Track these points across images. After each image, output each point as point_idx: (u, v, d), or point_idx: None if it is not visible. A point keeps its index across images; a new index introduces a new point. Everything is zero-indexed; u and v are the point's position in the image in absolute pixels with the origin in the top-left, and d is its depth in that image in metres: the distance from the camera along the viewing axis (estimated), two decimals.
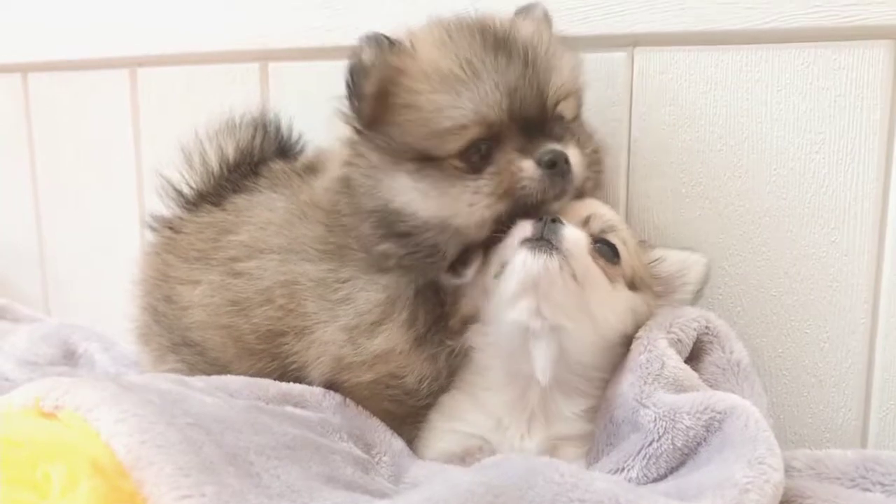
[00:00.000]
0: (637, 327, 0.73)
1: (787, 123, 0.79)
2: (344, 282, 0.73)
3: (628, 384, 0.69)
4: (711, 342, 0.73)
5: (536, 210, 0.70)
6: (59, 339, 1.10)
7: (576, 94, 0.75)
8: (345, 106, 0.74)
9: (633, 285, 0.74)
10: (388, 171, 0.70)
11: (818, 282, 0.81)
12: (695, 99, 0.82)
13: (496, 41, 0.70)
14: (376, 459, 0.69)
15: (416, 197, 0.69)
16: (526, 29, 0.73)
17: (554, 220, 0.69)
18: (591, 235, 0.72)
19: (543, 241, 0.68)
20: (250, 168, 0.87)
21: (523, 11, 0.77)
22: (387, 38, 0.71)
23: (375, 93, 0.70)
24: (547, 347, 0.70)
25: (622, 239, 0.74)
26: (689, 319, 0.72)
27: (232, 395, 0.64)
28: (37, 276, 1.29)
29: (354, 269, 0.73)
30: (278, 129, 0.92)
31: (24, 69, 1.23)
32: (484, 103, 0.68)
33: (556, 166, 0.69)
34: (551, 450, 0.73)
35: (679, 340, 0.71)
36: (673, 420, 0.63)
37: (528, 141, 0.70)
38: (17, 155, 1.26)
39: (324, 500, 0.47)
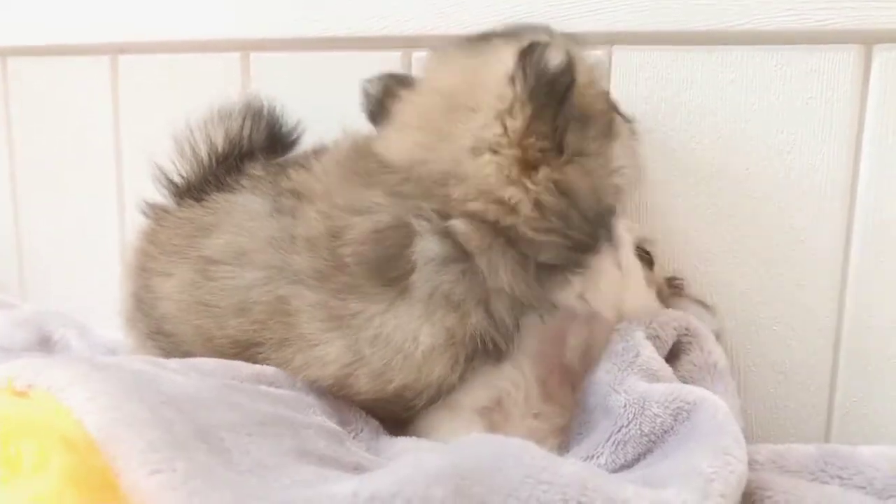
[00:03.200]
0: None
1: (759, 124, 0.81)
2: (369, 319, 0.68)
3: (604, 371, 0.70)
4: (690, 343, 0.75)
5: None
6: (35, 326, 1.10)
7: None
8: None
9: (659, 297, 0.80)
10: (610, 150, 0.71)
11: (786, 280, 0.82)
12: (670, 98, 0.84)
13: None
14: (352, 435, 0.69)
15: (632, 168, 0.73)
16: None
17: None
18: (634, 241, 0.78)
19: None
20: (236, 161, 0.86)
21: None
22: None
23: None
24: (580, 332, 0.75)
25: (655, 255, 0.81)
26: (670, 319, 0.75)
27: (205, 375, 0.64)
28: (13, 262, 1.28)
29: (384, 307, 0.68)
30: (272, 116, 0.91)
31: (3, 53, 1.22)
32: None
33: None
34: (543, 438, 0.74)
35: (657, 336, 0.73)
36: (642, 407, 0.65)
37: None
38: None
39: (293, 475, 0.47)
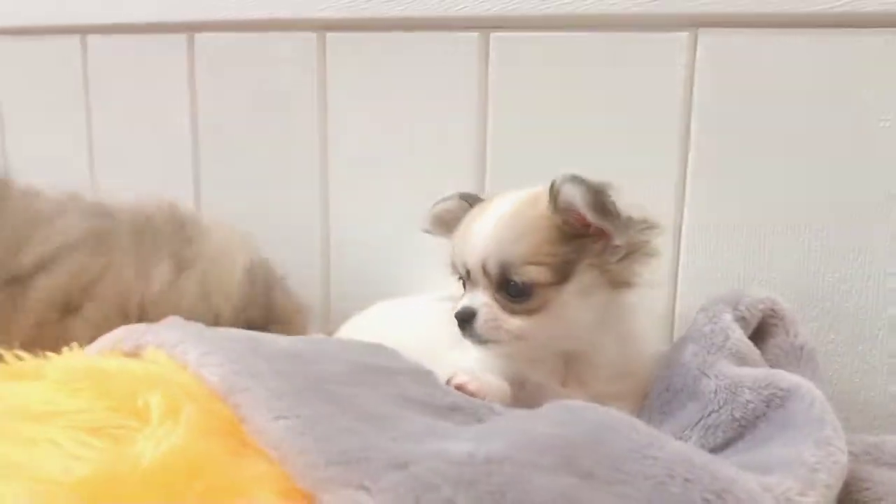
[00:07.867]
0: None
1: (855, 107, 0.78)
2: None
3: (691, 353, 0.69)
4: (776, 325, 0.73)
5: None
6: None
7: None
8: None
9: (563, 277, 0.70)
10: None
11: (873, 271, 0.80)
12: (758, 81, 0.82)
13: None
14: None
15: None
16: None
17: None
18: (493, 283, 0.70)
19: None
20: None
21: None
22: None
23: None
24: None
25: (525, 272, 0.69)
26: (756, 300, 0.73)
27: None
28: None
29: None
30: None
31: (83, 31, 1.24)
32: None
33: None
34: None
35: (744, 318, 0.71)
36: (734, 393, 0.64)
37: None
38: (75, 117, 1.27)
39: (401, 427, 0.47)
